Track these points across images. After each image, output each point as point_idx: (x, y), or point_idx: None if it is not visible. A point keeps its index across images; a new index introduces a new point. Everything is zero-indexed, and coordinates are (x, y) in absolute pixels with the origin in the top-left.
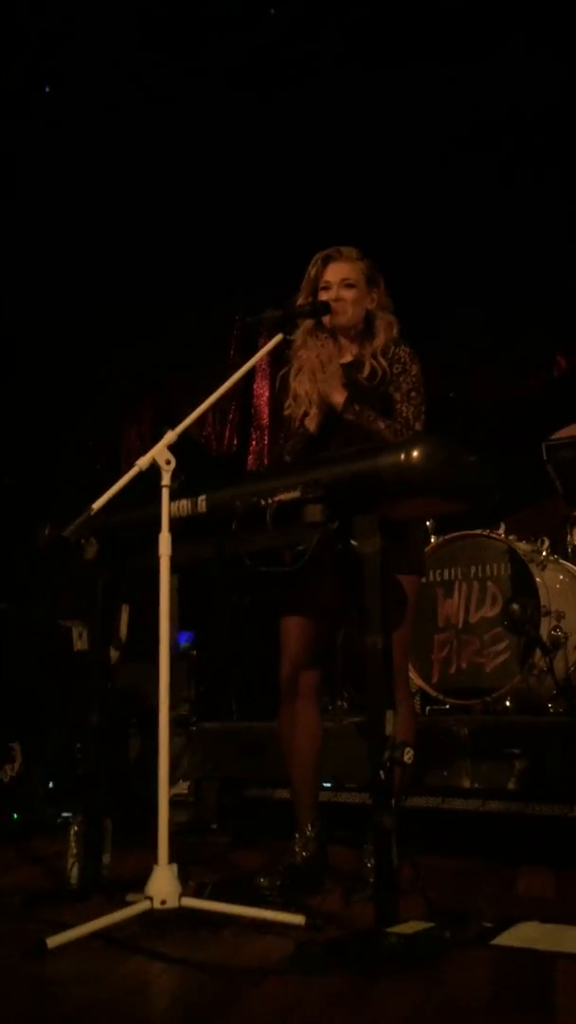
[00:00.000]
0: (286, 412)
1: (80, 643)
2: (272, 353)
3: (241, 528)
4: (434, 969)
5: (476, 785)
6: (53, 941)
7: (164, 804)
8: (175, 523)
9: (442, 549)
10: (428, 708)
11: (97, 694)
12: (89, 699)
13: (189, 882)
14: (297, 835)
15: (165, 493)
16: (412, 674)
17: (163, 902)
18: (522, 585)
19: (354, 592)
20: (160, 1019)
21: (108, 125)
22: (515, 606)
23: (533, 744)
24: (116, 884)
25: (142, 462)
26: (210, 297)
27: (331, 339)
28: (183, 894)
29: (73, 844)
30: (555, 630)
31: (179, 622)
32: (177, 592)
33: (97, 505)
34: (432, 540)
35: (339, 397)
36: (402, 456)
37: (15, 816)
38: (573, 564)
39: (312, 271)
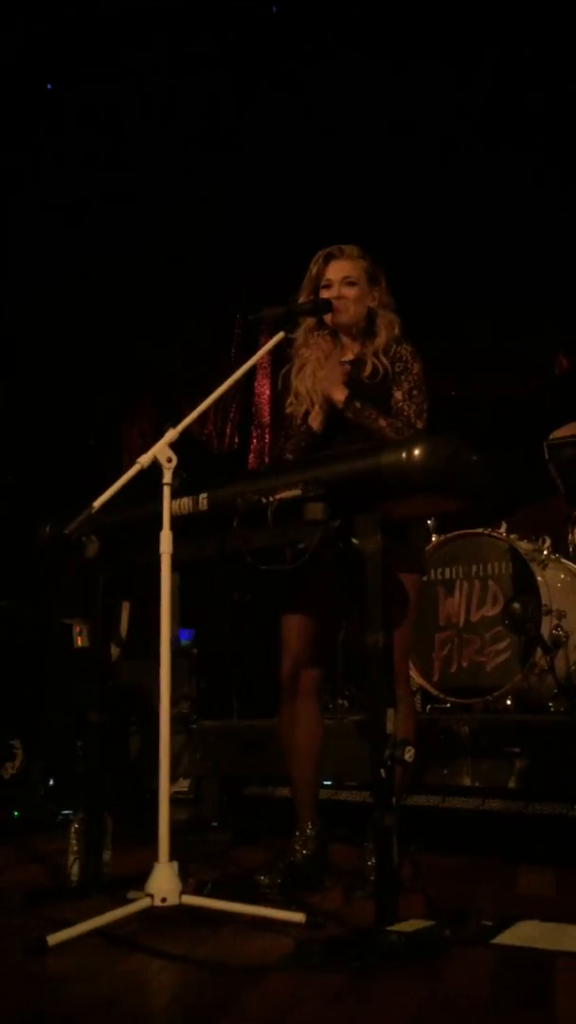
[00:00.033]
0: (287, 410)
1: (81, 641)
2: (273, 351)
3: (242, 526)
4: (434, 967)
5: (476, 784)
6: (54, 938)
7: (165, 801)
8: (176, 521)
9: (443, 548)
10: (429, 707)
11: (98, 692)
12: (90, 697)
13: (189, 880)
14: (297, 833)
15: (166, 491)
16: (413, 672)
17: (163, 900)
18: (523, 584)
19: (355, 590)
20: (160, 1016)
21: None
22: (516, 605)
23: (533, 743)
24: (117, 881)
25: (143, 460)
26: (211, 295)
27: (332, 337)
28: (183, 892)
29: (74, 841)
30: (556, 629)
31: (180, 620)
32: (178, 590)
33: (98, 503)
34: (433, 539)
35: (340, 395)
36: (403, 454)
37: (15, 813)
38: (574, 563)
39: (313, 269)
